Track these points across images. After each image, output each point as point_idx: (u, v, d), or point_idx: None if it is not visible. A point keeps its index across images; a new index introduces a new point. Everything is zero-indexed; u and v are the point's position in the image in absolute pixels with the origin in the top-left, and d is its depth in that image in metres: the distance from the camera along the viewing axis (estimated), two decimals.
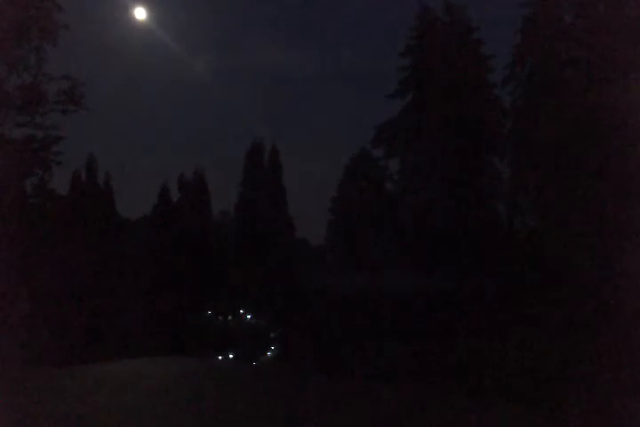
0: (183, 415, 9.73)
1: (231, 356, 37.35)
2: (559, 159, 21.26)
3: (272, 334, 38.93)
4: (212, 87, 76.11)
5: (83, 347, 22.85)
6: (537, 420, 8.92)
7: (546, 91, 24.10)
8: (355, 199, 41.82)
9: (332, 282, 34.30)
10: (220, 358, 35.08)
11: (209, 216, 45.76)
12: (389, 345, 20.47)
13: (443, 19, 38.01)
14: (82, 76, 26.44)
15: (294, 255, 43.28)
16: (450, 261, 31.78)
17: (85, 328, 26.35)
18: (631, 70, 18.21)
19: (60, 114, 25.42)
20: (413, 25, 38.07)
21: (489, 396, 10.78)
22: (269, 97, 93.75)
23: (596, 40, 19.42)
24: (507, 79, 34.36)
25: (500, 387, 11.45)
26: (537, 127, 23.70)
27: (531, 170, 29.52)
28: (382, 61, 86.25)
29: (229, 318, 42.15)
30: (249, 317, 42.06)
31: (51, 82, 24.90)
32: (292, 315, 34.39)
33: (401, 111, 38.35)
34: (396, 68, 38.32)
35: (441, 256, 32.85)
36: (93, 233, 34.22)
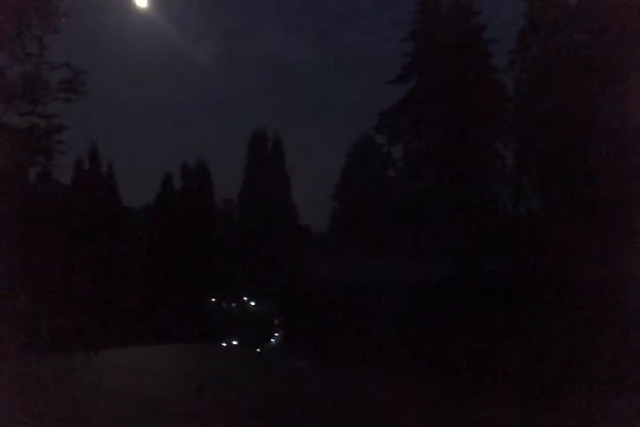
0: (187, 401, 9.87)
1: (235, 343, 37.60)
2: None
3: (276, 321, 39.14)
4: (213, 74, 75.94)
5: (87, 334, 23.02)
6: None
7: (548, 83, 23.95)
8: (357, 186, 41.81)
9: (334, 269, 34.37)
10: (225, 344, 35.33)
11: (212, 204, 45.81)
12: (390, 334, 20.56)
13: (445, 3, 37.70)
14: (84, 64, 26.36)
15: (297, 242, 43.35)
16: (454, 247, 31.81)
17: (88, 315, 26.50)
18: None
19: (62, 102, 25.46)
20: (416, 9, 37.84)
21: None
22: (273, 83, 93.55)
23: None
24: (510, 64, 34.15)
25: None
26: (538, 124, 23.69)
27: (534, 156, 29.43)
28: (387, 47, 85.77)
29: (233, 305, 42.37)
30: (253, 304, 42.27)
31: (52, 70, 24.89)
32: (294, 302, 34.57)
33: (404, 97, 38.18)
34: (399, 53, 38.15)
35: (444, 243, 32.87)
36: (95, 221, 34.34)
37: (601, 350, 12.46)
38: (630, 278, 15.34)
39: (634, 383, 10.38)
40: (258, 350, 33.97)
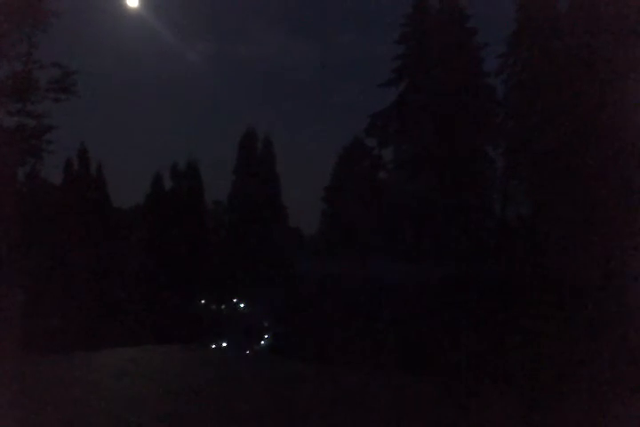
0: (177, 402, 9.79)
1: (224, 345, 37.42)
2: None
3: (265, 323, 38.99)
4: (205, 75, 75.85)
5: (78, 336, 22.84)
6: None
7: (541, 85, 24.11)
8: (348, 188, 41.83)
9: (324, 271, 34.33)
10: (214, 346, 35.15)
11: (202, 205, 45.62)
12: (382, 335, 20.54)
13: (436, 7, 37.89)
14: (74, 63, 26.24)
15: (287, 244, 43.29)
16: (443, 249, 31.92)
17: (80, 317, 26.31)
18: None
19: (51, 102, 25.27)
20: (407, 13, 37.99)
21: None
22: (264, 85, 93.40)
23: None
24: (501, 68, 34.42)
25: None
26: (535, 125, 23.88)
27: (524, 159, 29.62)
28: (378, 49, 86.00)
29: (223, 306, 42.18)
30: (242, 305, 42.11)
31: (42, 70, 24.71)
32: (284, 304, 34.48)
33: (394, 100, 38.29)
34: (389, 56, 38.28)
35: (435, 244, 32.97)
36: (86, 222, 34.07)
37: (601, 350, 12.50)
38: (630, 278, 15.43)
39: (634, 384, 10.41)
40: (247, 351, 33.83)
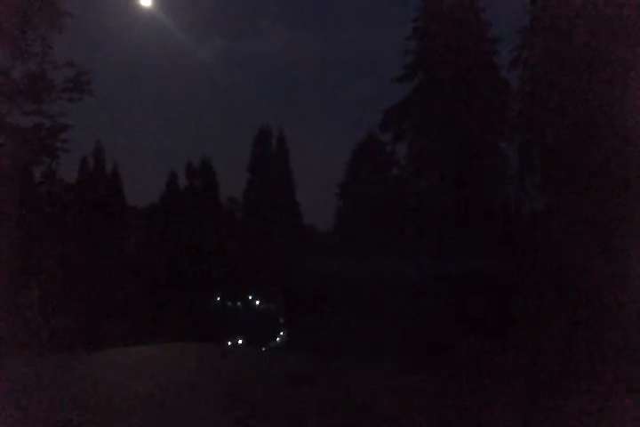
0: (190, 400, 9.90)
1: (240, 341, 37.67)
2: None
3: (281, 320, 39.18)
4: (218, 73, 76.15)
5: (92, 334, 23.11)
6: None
7: (550, 86, 23.86)
8: (362, 184, 41.75)
9: (338, 268, 34.33)
10: (230, 343, 35.40)
11: (217, 203, 45.83)
12: (392, 333, 20.57)
13: (449, 0, 37.58)
14: (88, 63, 26.50)
15: (301, 241, 43.34)
16: (457, 245, 31.73)
17: (94, 314, 26.59)
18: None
19: (67, 102, 25.53)
20: (419, 7, 37.72)
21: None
22: (276, 82, 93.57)
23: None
24: (514, 62, 34.04)
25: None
26: (540, 123, 23.67)
27: (537, 153, 29.33)
28: (394, 43, 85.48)
29: (238, 304, 42.42)
30: (258, 302, 42.31)
31: (57, 70, 24.97)
32: (298, 301, 34.56)
33: (408, 95, 38.08)
34: (403, 50, 38.04)
35: (448, 241, 32.80)
36: (101, 220, 34.39)
37: (601, 350, 12.44)
38: (630, 278, 15.28)
39: (634, 384, 10.35)
40: (263, 349, 34.02)
